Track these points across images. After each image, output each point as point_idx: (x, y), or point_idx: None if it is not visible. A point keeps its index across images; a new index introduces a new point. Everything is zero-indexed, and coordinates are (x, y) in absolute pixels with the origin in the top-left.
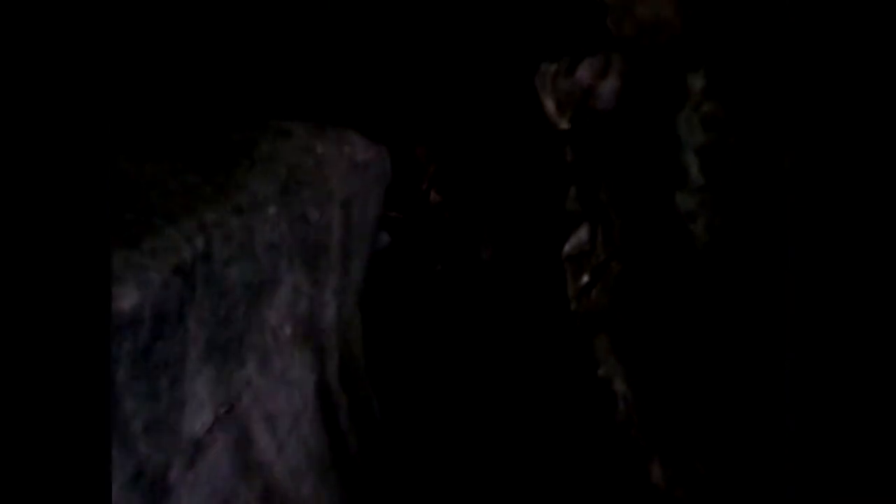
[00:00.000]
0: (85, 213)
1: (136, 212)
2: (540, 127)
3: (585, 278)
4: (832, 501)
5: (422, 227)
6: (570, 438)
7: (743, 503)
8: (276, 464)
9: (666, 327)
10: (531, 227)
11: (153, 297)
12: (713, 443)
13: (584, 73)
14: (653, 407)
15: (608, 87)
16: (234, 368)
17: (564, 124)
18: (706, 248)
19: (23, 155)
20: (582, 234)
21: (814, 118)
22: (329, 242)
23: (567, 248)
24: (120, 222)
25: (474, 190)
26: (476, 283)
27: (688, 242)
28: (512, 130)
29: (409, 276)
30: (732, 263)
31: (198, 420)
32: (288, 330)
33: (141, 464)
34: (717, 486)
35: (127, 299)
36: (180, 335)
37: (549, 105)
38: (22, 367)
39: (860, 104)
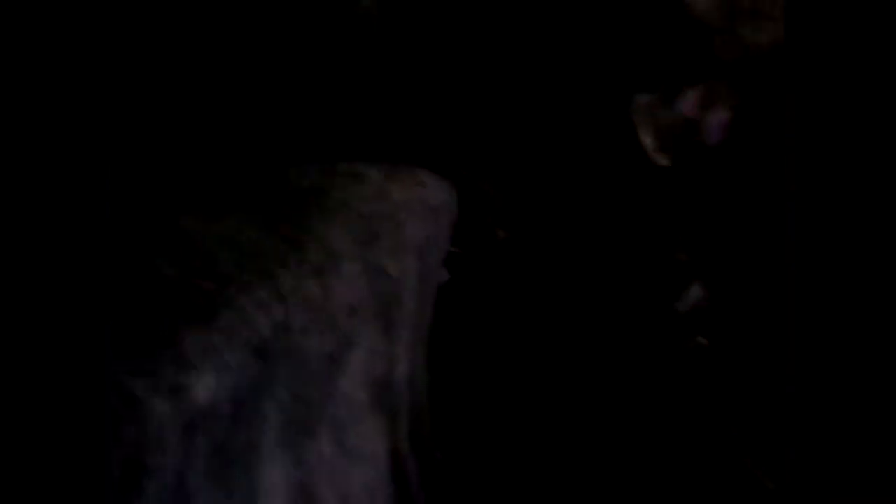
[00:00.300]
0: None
1: (209, 277)
2: (634, 162)
3: (702, 340)
4: (832, 501)
5: (485, 263)
6: None
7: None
8: None
9: None
10: (620, 271)
11: (230, 383)
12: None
13: (687, 104)
14: None
15: (715, 119)
16: (308, 448)
17: (665, 161)
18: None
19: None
20: (695, 291)
21: None
22: (404, 295)
23: (680, 306)
24: (194, 292)
25: (549, 227)
26: (548, 327)
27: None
28: (598, 164)
29: (473, 317)
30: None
31: None
32: (363, 396)
33: None
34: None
35: (203, 391)
36: (257, 422)
37: (648, 139)
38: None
39: None
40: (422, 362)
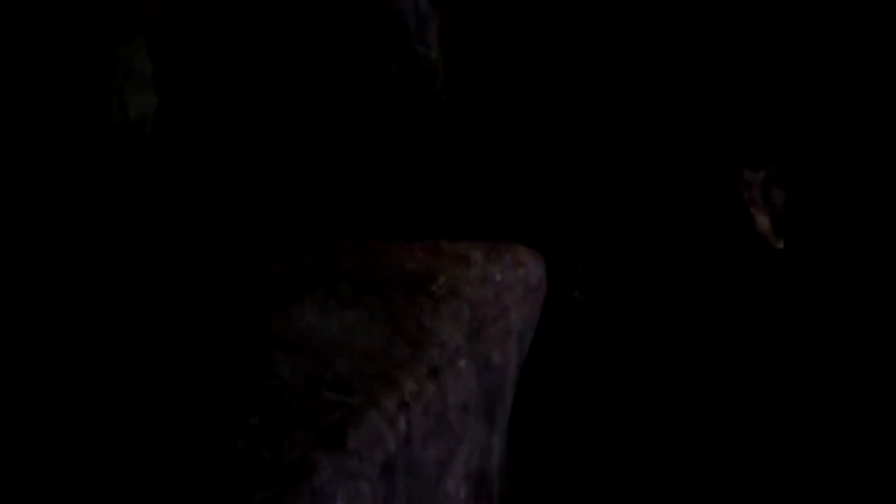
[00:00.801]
0: None
1: (331, 386)
2: (745, 243)
3: None
4: (832, 501)
5: (566, 332)
6: None
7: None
8: None
9: None
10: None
11: None
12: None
13: None
14: None
15: None
16: None
17: (780, 244)
18: None
19: None
20: None
21: None
22: (505, 384)
23: None
24: (318, 402)
25: (638, 299)
26: (632, 401)
27: None
28: (693, 240)
29: (555, 389)
30: None
31: None
32: (463, 492)
33: None
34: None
35: None
36: None
37: (763, 221)
38: None
39: None
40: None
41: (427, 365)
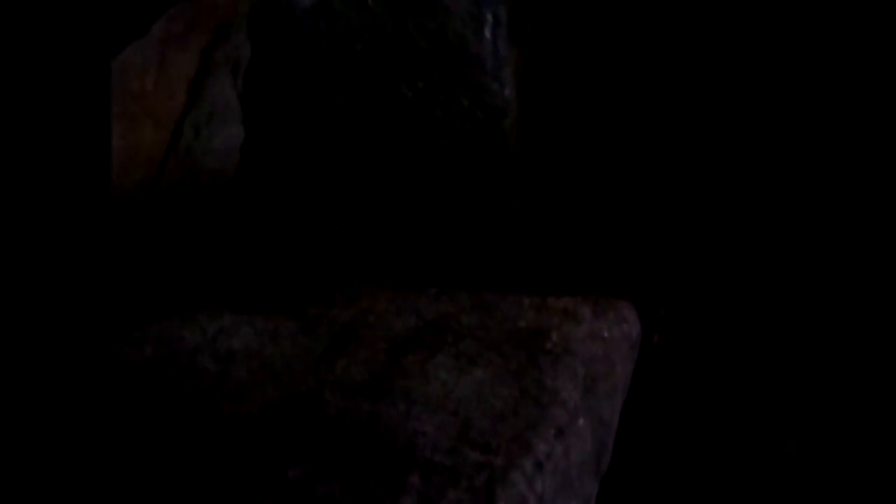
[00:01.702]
0: None
1: (475, 446)
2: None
3: None
4: (832, 501)
5: (644, 375)
6: None
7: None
8: None
9: None
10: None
11: None
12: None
13: None
14: None
15: None
16: None
17: None
18: None
19: None
20: None
21: None
22: (610, 437)
23: None
24: (465, 462)
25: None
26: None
27: None
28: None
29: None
30: None
31: None
32: None
33: None
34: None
35: None
36: None
37: None
38: None
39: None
40: None
41: (553, 425)
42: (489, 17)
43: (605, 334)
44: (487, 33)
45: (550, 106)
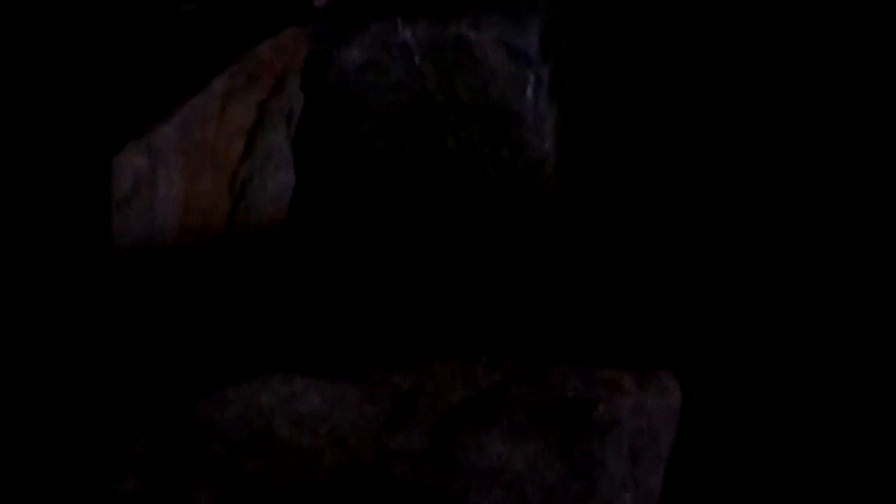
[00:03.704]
0: None
1: None
2: None
3: None
4: (832, 501)
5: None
6: None
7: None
8: None
9: None
10: None
11: None
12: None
13: None
14: None
15: None
16: None
17: None
18: None
19: None
20: None
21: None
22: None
23: None
24: None
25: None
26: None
27: None
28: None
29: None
30: None
31: None
32: None
33: None
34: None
35: None
36: None
37: None
38: None
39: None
40: None
41: (602, 498)
42: (531, 78)
43: (649, 405)
44: (529, 93)
45: (590, 159)
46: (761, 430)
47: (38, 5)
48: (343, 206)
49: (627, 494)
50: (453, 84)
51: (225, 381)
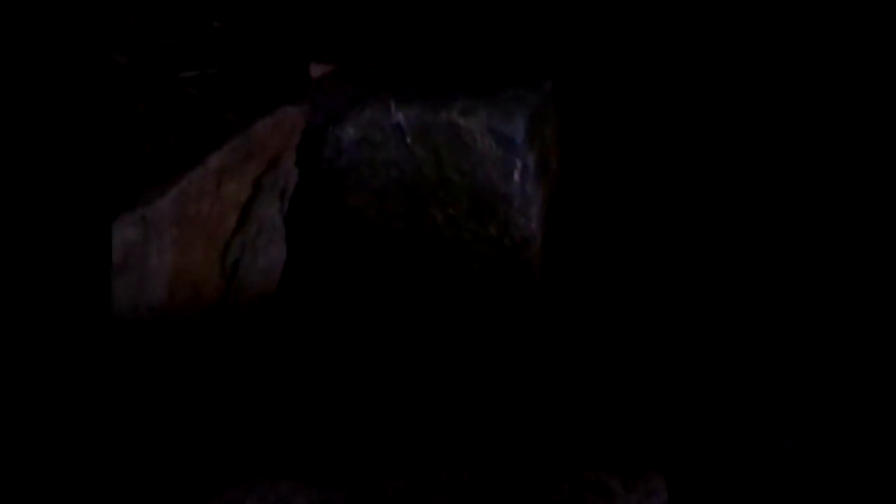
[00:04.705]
0: None
1: None
2: None
3: None
4: (832, 501)
5: None
6: None
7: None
8: None
9: None
10: None
11: None
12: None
13: None
14: None
15: None
16: None
17: None
18: None
19: None
20: None
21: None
22: None
23: None
24: None
25: None
26: None
27: None
28: None
29: None
30: None
31: None
32: None
33: None
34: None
35: None
36: None
37: None
38: None
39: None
40: None
41: None
42: (518, 164)
43: None
44: (516, 177)
45: (575, 239)
46: (761, 429)
47: (36, 73)
48: (333, 279)
49: None
50: (443, 164)
51: (209, 486)
